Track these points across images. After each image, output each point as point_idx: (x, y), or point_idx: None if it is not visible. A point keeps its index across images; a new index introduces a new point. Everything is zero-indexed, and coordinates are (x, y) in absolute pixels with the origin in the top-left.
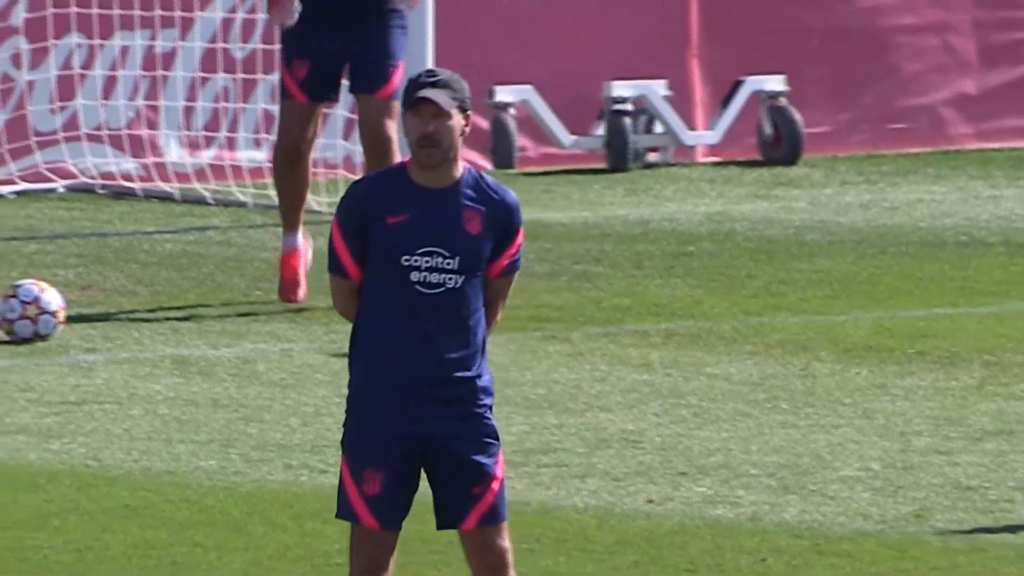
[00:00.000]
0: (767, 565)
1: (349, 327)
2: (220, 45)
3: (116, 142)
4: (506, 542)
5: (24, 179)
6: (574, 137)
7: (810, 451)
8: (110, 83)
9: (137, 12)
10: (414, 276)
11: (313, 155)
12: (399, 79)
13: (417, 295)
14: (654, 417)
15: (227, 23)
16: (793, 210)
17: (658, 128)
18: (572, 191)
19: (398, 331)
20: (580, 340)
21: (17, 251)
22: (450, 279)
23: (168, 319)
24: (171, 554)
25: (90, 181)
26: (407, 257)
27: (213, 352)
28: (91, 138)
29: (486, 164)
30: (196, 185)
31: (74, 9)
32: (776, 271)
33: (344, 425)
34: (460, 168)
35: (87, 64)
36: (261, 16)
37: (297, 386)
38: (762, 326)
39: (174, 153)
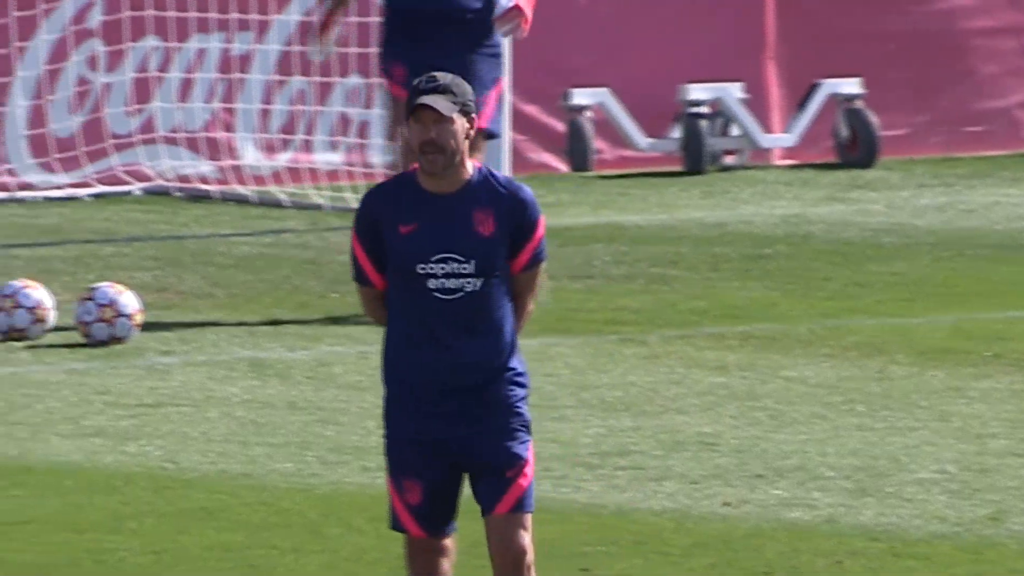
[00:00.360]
0: (843, 568)
1: None
2: (296, 48)
3: (192, 145)
4: (527, 540)
5: (101, 182)
6: (650, 140)
7: (886, 453)
8: (186, 86)
9: (213, 15)
10: (431, 283)
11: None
12: (490, 111)
13: (436, 302)
14: (730, 420)
15: (303, 26)
16: (869, 213)
17: (734, 131)
18: (648, 194)
19: (419, 338)
20: (656, 343)
21: (93, 254)
22: (468, 283)
23: (244, 322)
24: (247, 556)
25: (166, 184)
26: (422, 265)
27: (289, 355)
28: (167, 141)
29: (562, 167)
30: (272, 188)
31: (150, 12)
32: (852, 273)
33: (383, 436)
34: (469, 170)
35: (163, 67)
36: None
37: (373, 388)
38: (838, 328)
39: (250, 156)
